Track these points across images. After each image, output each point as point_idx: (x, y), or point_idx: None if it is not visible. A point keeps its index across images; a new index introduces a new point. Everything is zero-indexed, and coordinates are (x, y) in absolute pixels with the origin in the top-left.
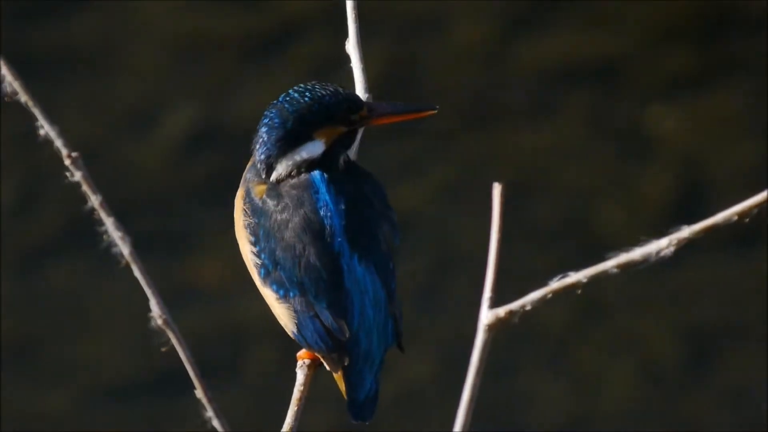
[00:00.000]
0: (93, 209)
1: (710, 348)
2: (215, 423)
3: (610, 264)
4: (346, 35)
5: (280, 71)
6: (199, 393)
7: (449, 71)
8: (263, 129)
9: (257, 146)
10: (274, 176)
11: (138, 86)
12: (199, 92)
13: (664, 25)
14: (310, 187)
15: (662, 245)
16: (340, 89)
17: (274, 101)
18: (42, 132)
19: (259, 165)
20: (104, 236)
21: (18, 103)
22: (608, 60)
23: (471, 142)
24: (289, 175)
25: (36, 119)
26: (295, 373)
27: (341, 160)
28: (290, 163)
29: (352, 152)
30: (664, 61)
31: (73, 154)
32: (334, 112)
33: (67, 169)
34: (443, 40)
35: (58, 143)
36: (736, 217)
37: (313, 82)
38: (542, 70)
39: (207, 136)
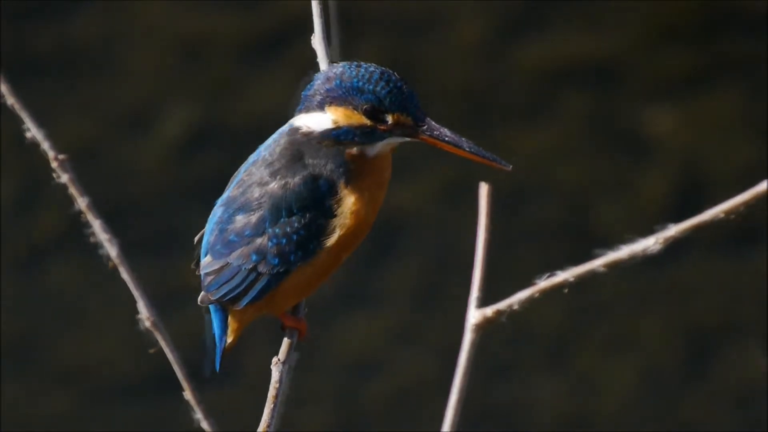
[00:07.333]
0: (80, 211)
1: (710, 347)
2: (204, 425)
3: (597, 263)
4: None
5: (280, 71)
6: (187, 394)
7: (448, 71)
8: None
9: None
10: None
11: (137, 86)
12: (198, 93)
13: (662, 24)
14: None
15: (649, 244)
16: (393, 84)
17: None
18: (29, 135)
19: None
20: (91, 238)
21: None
22: (607, 60)
23: None
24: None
25: (23, 122)
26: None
27: (343, 151)
28: (296, 122)
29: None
30: (663, 60)
31: (60, 157)
32: (353, 95)
33: (54, 171)
34: (442, 40)
35: (45, 146)
36: (722, 215)
37: (374, 68)
38: (541, 70)
39: (206, 136)
